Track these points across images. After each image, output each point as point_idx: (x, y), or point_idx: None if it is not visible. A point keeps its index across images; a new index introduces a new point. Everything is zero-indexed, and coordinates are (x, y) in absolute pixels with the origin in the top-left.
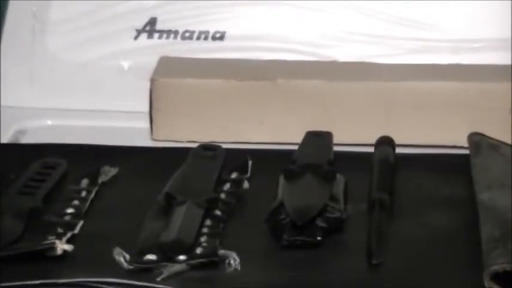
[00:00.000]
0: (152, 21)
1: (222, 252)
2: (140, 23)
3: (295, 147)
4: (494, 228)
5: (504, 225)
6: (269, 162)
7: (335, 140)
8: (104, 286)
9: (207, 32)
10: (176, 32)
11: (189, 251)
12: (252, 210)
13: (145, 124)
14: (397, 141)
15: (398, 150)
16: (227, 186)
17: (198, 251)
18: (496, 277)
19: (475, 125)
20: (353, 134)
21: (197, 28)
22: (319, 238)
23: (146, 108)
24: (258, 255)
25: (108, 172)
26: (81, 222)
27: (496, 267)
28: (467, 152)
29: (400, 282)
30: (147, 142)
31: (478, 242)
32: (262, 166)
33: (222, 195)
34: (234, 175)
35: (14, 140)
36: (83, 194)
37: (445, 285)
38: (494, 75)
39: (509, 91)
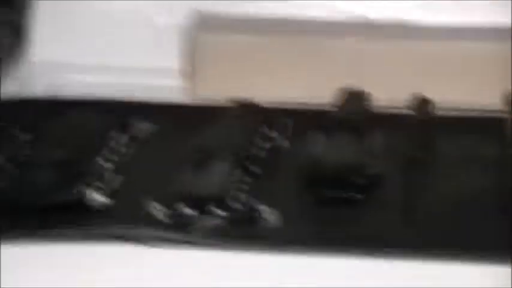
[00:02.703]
0: None
1: (260, 207)
2: None
3: (332, 105)
4: None
5: None
6: (307, 119)
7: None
8: (140, 238)
9: None
10: None
11: (226, 205)
12: (290, 167)
13: (184, 82)
14: (435, 102)
15: (436, 111)
16: (265, 142)
17: (236, 205)
18: None
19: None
20: (389, 93)
21: None
22: (357, 194)
23: (185, 66)
24: (295, 212)
25: (147, 129)
26: (120, 178)
27: None
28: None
29: (436, 239)
30: (186, 99)
31: None
32: (300, 124)
33: (261, 152)
34: (272, 132)
35: (51, 94)
36: (123, 149)
37: (481, 244)
38: None
39: None
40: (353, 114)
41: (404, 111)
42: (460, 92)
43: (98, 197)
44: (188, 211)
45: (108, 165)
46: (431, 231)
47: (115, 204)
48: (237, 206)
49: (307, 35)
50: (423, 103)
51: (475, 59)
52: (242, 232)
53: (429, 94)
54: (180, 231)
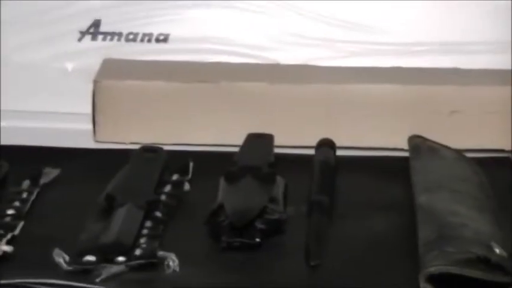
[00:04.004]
0: (96, 23)
1: (161, 253)
2: (84, 24)
3: (237, 149)
4: (431, 230)
5: (441, 227)
6: (210, 164)
7: (276, 142)
8: (42, 287)
9: (150, 34)
10: (120, 34)
11: (128, 252)
12: (192, 212)
13: (88, 126)
14: (338, 143)
15: (339, 152)
16: (168, 188)
17: (137, 252)
18: (432, 279)
19: (416, 127)
20: (294, 136)
21: (141, 30)
22: (258, 240)
23: (89, 110)
24: (197, 257)
25: (50, 173)
26: (21, 224)
27: (432, 269)
28: (407, 154)
29: (338, 283)
30: (89, 144)
31: (415, 244)
32: (203, 168)
33: (163, 197)
34: (175, 177)
35: None
36: (24, 195)
37: (382, 287)
38: (436, 78)
39: (450, 94)
40: (257, 159)
41: (309, 154)
42: (365, 133)
43: None
44: (90, 258)
45: (10, 211)
46: (332, 276)
47: (16, 251)
48: (138, 252)
49: (213, 80)
50: (328, 145)
51: (381, 101)
52: (142, 278)
53: (334, 136)
54: (82, 278)
